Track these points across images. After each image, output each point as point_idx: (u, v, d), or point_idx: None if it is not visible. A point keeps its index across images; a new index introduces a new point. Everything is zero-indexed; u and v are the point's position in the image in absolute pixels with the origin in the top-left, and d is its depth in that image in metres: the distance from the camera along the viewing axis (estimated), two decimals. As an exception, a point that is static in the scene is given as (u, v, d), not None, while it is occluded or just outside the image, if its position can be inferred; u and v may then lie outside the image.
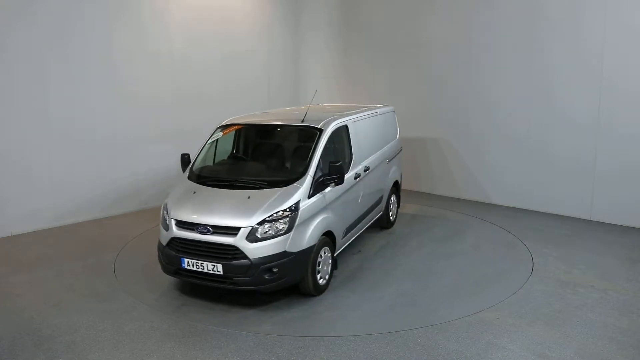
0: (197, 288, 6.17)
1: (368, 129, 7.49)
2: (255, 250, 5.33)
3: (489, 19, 9.57)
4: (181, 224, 5.68)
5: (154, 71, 9.75)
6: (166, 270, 5.90)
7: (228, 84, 10.96)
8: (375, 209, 7.76)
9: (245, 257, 5.32)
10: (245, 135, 7.10)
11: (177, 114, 10.11)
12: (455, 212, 9.35)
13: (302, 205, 5.59)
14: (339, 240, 6.35)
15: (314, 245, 5.68)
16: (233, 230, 5.39)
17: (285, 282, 5.53)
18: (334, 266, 6.25)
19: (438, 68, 10.39)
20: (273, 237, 5.38)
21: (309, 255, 5.62)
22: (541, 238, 7.82)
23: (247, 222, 5.37)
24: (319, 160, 5.98)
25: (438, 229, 8.39)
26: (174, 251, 5.70)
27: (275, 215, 5.42)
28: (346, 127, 6.83)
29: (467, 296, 5.88)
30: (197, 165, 6.64)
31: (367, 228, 8.04)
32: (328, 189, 6.04)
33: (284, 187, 5.69)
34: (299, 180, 5.77)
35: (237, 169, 6.74)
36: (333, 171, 5.92)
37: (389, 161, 8.17)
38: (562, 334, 5.01)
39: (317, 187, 5.86)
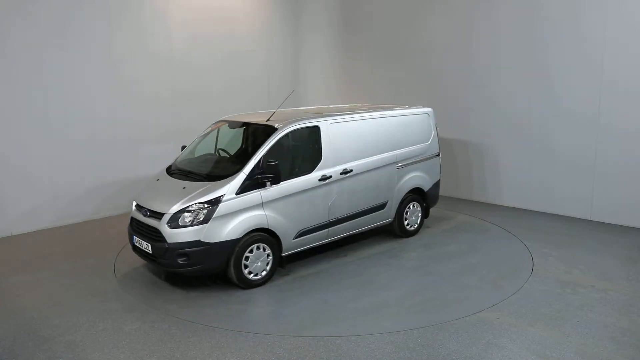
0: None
1: (359, 132, 7.18)
2: (172, 235, 5.83)
3: (489, 19, 9.57)
4: (137, 206, 6.50)
5: (154, 71, 9.76)
6: (131, 246, 6.60)
7: (228, 84, 10.96)
8: (372, 215, 7.41)
9: (164, 240, 5.87)
10: (223, 132, 7.39)
11: (177, 113, 10.11)
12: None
13: (225, 200, 5.89)
14: (287, 240, 6.41)
15: (237, 239, 5.94)
16: (159, 216, 6.01)
17: (202, 270, 5.96)
18: (280, 264, 6.44)
19: (438, 68, 10.40)
20: (190, 225, 5.81)
21: (228, 248, 5.90)
22: (541, 238, 7.82)
23: (169, 209, 5.92)
24: (260, 159, 6.14)
25: (454, 243, 7.63)
26: (131, 229, 6.54)
27: (194, 206, 5.85)
28: (317, 128, 6.76)
29: (371, 316, 5.43)
30: (180, 157, 7.22)
31: (379, 235, 7.96)
32: (272, 187, 6.18)
33: (216, 182, 6.07)
34: (232, 176, 6.05)
35: (201, 162, 7.00)
36: (268, 170, 6.09)
37: (400, 166, 7.65)
38: (562, 334, 5.01)
39: (251, 184, 6.05)
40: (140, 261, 7.06)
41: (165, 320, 5.39)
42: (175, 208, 5.88)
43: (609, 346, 4.78)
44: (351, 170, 6.99)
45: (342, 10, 12.01)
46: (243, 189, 6.02)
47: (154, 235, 6.03)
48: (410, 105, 8.67)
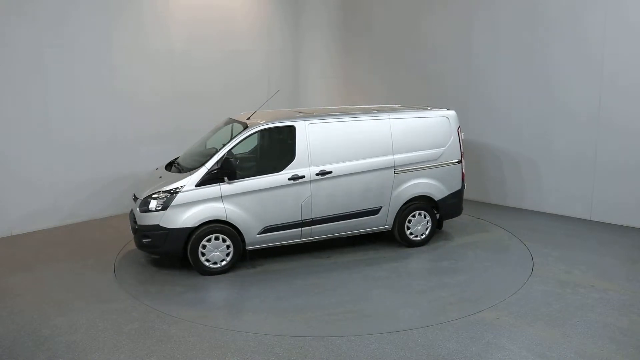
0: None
1: (345, 134, 7.03)
2: (140, 218, 6.57)
3: (489, 19, 9.57)
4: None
5: (154, 70, 9.75)
6: None
7: (228, 84, 10.95)
8: (362, 220, 7.18)
9: (136, 222, 6.64)
10: (219, 129, 7.64)
11: (176, 113, 10.11)
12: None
13: (183, 190, 6.41)
14: (250, 235, 6.67)
15: (192, 228, 6.40)
16: (136, 200, 6.77)
17: (162, 251, 6.65)
18: (243, 256, 6.78)
19: (438, 67, 10.39)
20: (154, 211, 6.43)
21: (184, 235, 6.40)
22: (541, 238, 7.82)
23: (141, 194, 6.65)
24: (223, 155, 6.52)
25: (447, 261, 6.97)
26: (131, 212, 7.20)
27: (157, 194, 6.47)
28: (293, 128, 6.83)
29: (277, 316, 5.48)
30: (186, 150, 7.69)
31: (384, 241, 7.65)
32: (233, 182, 6.51)
33: (183, 173, 6.66)
34: (195, 169, 6.53)
35: (193, 156, 7.28)
36: (224, 166, 6.47)
37: (400, 171, 7.26)
38: (562, 334, 5.01)
39: (211, 178, 6.46)
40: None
41: (165, 320, 5.39)
42: (145, 194, 6.58)
43: (608, 346, 4.78)
44: (330, 172, 6.90)
45: (342, 10, 12.01)
46: (203, 182, 6.46)
47: (134, 217, 6.77)
48: (432, 107, 8.19)
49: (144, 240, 6.56)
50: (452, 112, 7.74)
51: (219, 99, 10.70)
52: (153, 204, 6.44)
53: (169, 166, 7.33)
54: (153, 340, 4.99)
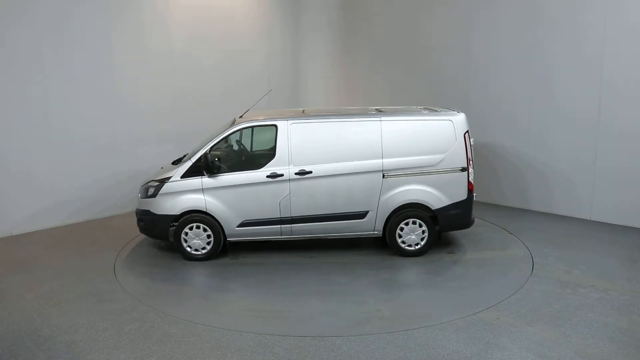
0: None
1: (331, 135, 6.93)
2: (139, 204, 7.34)
3: (489, 19, 9.57)
4: None
5: (154, 71, 9.75)
6: None
7: (228, 84, 10.95)
8: (347, 223, 6.98)
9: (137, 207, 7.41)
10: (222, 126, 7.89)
11: (177, 113, 10.11)
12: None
13: (170, 181, 6.99)
14: (229, 227, 6.99)
15: (176, 215, 6.92)
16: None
17: (152, 235, 7.30)
18: (222, 247, 7.10)
19: (438, 68, 10.40)
20: (148, 198, 7.11)
21: (169, 221, 6.96)
22: (541, 238, 7.81)
23: (143, 183, 7.45)
24: (207, 150, 6.92)
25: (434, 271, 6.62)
26: None
27: (152, 183, 7.17)
28: (275, 127, 6.99)
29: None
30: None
31: (379, 248, 7.40)
32: (213, 176, 6.90)
33: (174, 165, 7.34)
34: (184, 162, 7.07)
35: (193, 151, 7.51)
36: (203, 160, 6.88)
37: (389, 176, 6.90)
38: (562, 334, 5.01)
39: (195, 171, 6.93)
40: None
41: (165, 320, 5.39)
42: (142, 183, 7.40)
43: (608, 346, 4.78)
44: (310, 172, 6.85)
45: (342, 10, 12.01)
46: (187, 174, 6.96)
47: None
48: (447, 108, 7.76)
49: (139, 224, 7.27)
50: (458, 117, 7.07)
51: (219, 99, 10.71)
52: (150, 192, 7.08)
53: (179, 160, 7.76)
54: (153, 340, 4.99)
